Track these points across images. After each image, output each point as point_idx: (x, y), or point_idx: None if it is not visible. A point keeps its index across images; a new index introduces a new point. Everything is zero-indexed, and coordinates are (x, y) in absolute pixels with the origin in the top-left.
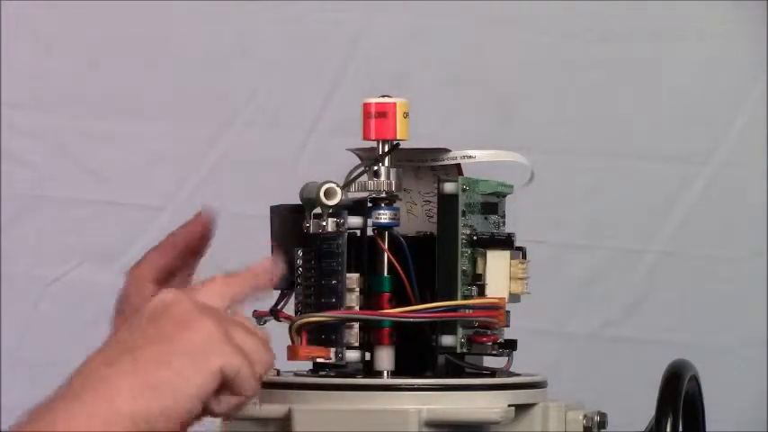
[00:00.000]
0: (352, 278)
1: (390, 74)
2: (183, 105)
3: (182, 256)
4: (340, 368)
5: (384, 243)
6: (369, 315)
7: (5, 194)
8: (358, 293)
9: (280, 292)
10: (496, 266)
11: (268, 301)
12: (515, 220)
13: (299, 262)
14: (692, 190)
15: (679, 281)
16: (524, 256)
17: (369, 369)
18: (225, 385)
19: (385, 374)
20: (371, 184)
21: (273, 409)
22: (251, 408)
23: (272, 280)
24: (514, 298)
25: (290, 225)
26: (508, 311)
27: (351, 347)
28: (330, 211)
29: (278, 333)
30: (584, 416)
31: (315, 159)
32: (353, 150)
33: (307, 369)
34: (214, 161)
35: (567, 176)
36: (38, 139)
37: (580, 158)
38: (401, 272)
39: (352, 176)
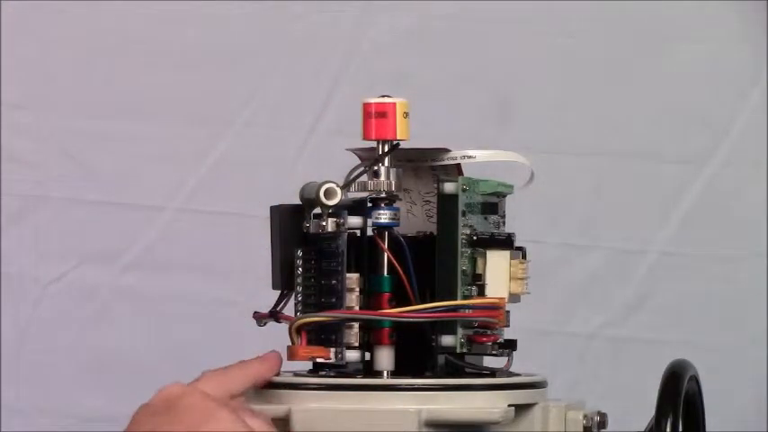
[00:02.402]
0: (352, 278)
1: (390, 74)
2: (183, 105)
3: None
4: (340, 368)
5: (384, 243)
6: (369, 315)
7: (5, 194)
8: (358, 293)
9: (279, 292)
10: (496, 266)
11: (267, 301)
12: (515, 220)
13: (299, 262)
14: (692, 190)
15: (679, 281)
16: (524, 256)
17: (369, 369)
18: None
19: (385, 374)
20: (371, 184)
21: (273, 409)
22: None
23: (273, 371)
24: (514, 298)
25: (290, 225)
26: (508, 311)
27: (351, 347)
28: (330, 211)
29: (278, 333)
30: (585, 416)
31: (315, 159)
32: (353, 150)
33: (307, 369)
34: (214, 161)
35: (567, 176)
36: (38, 139)
37: (580, 158)
38: (401, 272)
39: (352, 176)
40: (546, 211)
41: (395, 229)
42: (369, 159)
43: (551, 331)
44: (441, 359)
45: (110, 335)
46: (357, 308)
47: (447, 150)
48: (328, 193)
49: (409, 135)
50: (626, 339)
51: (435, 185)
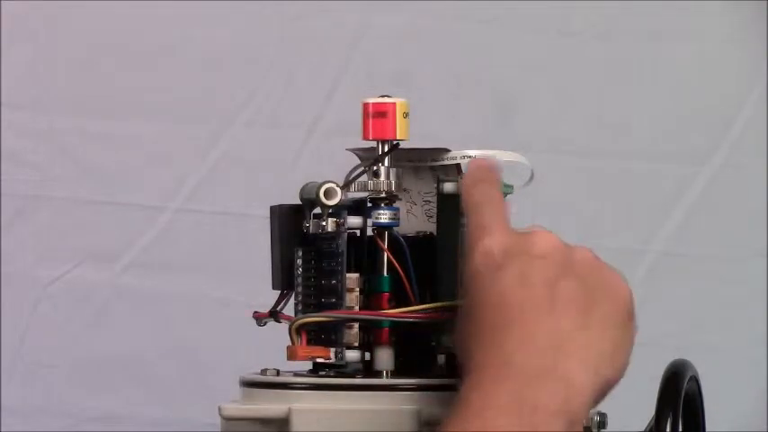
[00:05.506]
0: (352, 278)
1: (390, 74)
2: (183, 105)
3: None
4: (340, 368)
5: (384, 243)
6: (368, 315)
7: (5, 194)
8: (358, 293)
9: (279, 292)
10: None
11: (267, 301)
12: (515, 220)
13: (299, 262)
14: (692, 190)
15: (679, 281)
16: None
17: (369, 369)
18: None
19: (385, 374)
20: (371, 184)
21: (273, 409)
22: (250, 408)
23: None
24: None
25: (290, 225)
26: None
27: (351, 347)
28: (330, 211)
29: (278, 333)
30: None
31: (315, 159)
32: (353, 150)
33: (307, 369)
34: (214, 161)
35: (566, 176)
36: (38, 139)
37: (580, 158)
38: (401, 272)
39: (352, 176)
40: (546, 211)
41: (395, 229)
42: (369, 159)
43: None
44: (441, 359)
45: (109, 335)
46: (357, 308)
47: (447, 150)
48: (328, 193)
49: (409, 135)
50: None
51: (435, 185)
